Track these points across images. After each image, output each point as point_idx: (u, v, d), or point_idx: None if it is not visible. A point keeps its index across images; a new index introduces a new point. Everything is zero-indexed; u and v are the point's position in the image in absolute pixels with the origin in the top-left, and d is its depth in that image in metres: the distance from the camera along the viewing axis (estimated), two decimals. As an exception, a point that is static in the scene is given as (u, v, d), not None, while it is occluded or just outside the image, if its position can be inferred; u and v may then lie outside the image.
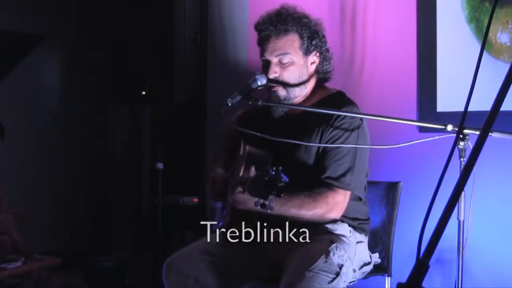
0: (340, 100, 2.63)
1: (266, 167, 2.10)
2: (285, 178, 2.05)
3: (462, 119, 1.36)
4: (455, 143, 1.30)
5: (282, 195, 2.05)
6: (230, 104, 2.45)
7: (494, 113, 1.23)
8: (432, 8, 3.35)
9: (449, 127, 2.30)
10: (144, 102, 4.20)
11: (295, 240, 2.44)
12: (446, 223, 1.18)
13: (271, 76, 2.56)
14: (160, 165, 4.03)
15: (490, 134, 2.18)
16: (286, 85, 2.57)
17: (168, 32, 3.92)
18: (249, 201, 2.24)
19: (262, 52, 2.61)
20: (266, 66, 2.60)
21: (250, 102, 2.50)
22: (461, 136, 2.23)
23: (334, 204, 2.46)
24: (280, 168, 2.06)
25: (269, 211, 2.07)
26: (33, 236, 4.32)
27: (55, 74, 5.11)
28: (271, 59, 2.57)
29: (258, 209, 2.10)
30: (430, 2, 3.36)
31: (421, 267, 1.15)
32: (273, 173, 2.05)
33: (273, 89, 2.58)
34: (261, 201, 2.07)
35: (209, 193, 2.63)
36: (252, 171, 2.30)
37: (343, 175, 2.48)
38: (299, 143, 2.50)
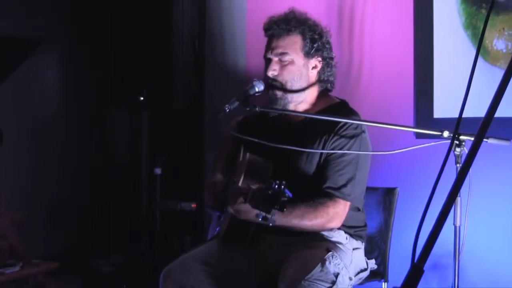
0: (343, 110, 2.64)
1: (269, 180, 2.10)
2: (288, 194, 2.06)
3: (457, 125, 1.37)
4: (450, 149, 1.32)
5: (285, 210, 2.05)
6: (227, 110, 2.46)
7: (489, 119, 1.24)
8: (429, 14, 3.37)
9: (445, 133, 2.31)
10: (143, 107, 4.20)
11: (291, 247, 2.45)
12: (441, 228, 1.19)
13: (270, 73, 2.57)
14: (158, 170, 4.04)
15: (486, 140, 2.21)
16: (283, 90, 2.58)
17: (166, 37, 3.93)
18: (250, 212, 2.24)
19: (265, 51, 2.63)
20: (267, 64, 2.61)
21: (248, 108, 2.51)
22: (457, 142, 2.24)
23: (335, 214, 2.47)
24: (284, 182, 2.06)
25: (270, 224, 2.08)
26: (31, 240, 4.32)
27: (53, 79, 5.11)
28: (271, 57, 2.59)
29: (259, 221, 2.11)
30: (427, 8, 3.38)
31: (415, 272, 1.16)
32: (277, 187, 2.05)
33: (270, 88, 2.60)
34: (263, 214, 2.07)
35: (207, 200, 2.63)
36: (255, 185, 2.30)
37: (344, 185, 2.48)
38: (300, 152, 2.51)
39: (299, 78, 2.58)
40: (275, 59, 2.58)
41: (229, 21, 4.17)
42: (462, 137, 2.25)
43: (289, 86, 2.57)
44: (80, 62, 5.05)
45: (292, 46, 2.57)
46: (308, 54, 2.59)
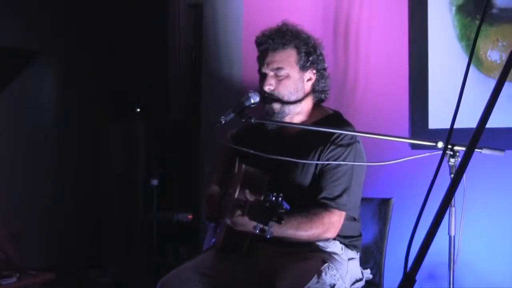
0: (337, 121, 2.65)
1: (266, 192, 2.11)
2: (286, 206, 2.07)
3: (448, 135, 1.38)
4: (441, 160, 1.32)
5: (282, 221, 2.06)
6: (223, 122, 2.47)
7: (480, 129, 1.25)
8: (423, 26, 3.40)
9: (440, 144, 2.32)
10: (139, 118, 4.22)
11: (287, 257, 2.45)
12: (433, 238, 1.20)
13: (266, 88, 2.57)
14: (154, 182, 4.04)
15: (479, 150, 2.23)
16: (280, 101, 2.59)
17: (163, 49, 3.95)
18: (248, 224, 2.24)
19: (260, 66, 2.62)
20: (262, 79, 2.61)
21: (243, 120, 2.51)
22: (451, 153, 2.25)
23: (330, 225, 2.48)
24: (281, 194, 2.07)
25: (268, 236, 2.09)
26: (27, 252, 4.32)
27: (49, 91, 5.13)
28: (267, 72, 2.59)
29: (256, 233, 2.11)
30: (422, 20, 3.40)
31: (408, 281, 1.16)
32: (274, 199, 2.06)
33: (267, 102, 2.61)
34: (261, 226, 2.08)
35: (204, 212, 2.63)
36: (251, 196, 2.31)
37: (339, 196, 2.49)
38: (295, 164, 2.52)
39: (295, 91, 2.59)
40: (271, 73, 2.58)
41: (226, 32, 4.19)
42: (456, 148, 2.26)
43: (286, 99, 2.59)
44: (77, 73, 5.07)
45: (288, 60, 2.57)
46: (303, 68, 2.60)
